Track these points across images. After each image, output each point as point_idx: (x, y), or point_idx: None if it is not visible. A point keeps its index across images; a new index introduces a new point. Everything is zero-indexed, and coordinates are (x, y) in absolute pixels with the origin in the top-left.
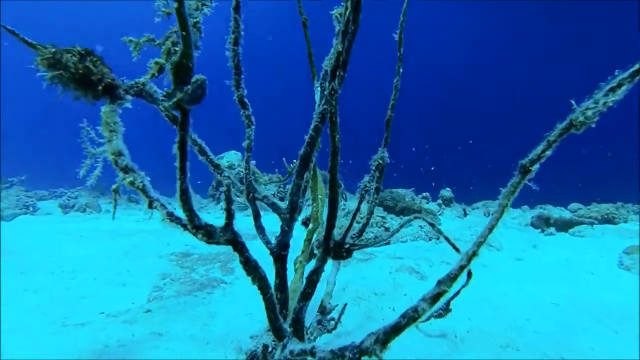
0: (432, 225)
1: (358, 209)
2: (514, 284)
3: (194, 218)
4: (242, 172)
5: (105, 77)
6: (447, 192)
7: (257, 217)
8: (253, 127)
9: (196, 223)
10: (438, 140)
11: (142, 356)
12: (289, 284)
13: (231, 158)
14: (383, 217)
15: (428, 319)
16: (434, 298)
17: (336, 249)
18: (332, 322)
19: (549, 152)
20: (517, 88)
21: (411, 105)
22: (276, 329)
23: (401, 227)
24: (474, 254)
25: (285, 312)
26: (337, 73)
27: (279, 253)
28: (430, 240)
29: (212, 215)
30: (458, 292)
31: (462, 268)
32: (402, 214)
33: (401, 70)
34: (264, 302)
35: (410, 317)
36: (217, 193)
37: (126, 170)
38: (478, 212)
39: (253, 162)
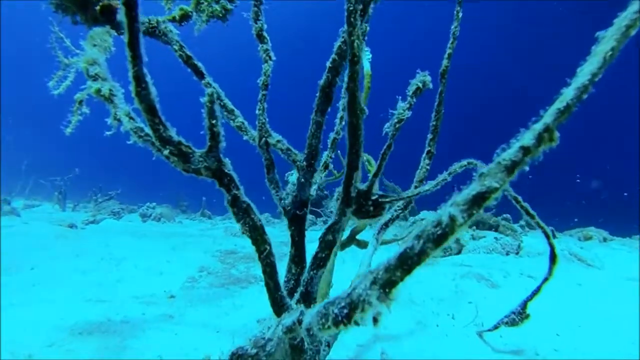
0: (515, 199)
1: (390, 147)
2: (616, 305)
3: (158, 126)
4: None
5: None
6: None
7: (270, 167)
8: (271, 62)
9: (163, 135)
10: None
11: (141, 333)
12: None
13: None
14: None
15: (497, 326)
16: (474, 202)
17: (360, 200)
18: None
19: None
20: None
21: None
22: (275, 301)
23: (449, 174)
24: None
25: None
26: None
27: (295, 213)
28: (507, 254)
29: (277, 228)
30: (539, 289)
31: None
32: (477, 227)
33: (460, 15)
34: (260, 262)
35: (429, 238)
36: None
37: (95, 77)
38: (572, 239)
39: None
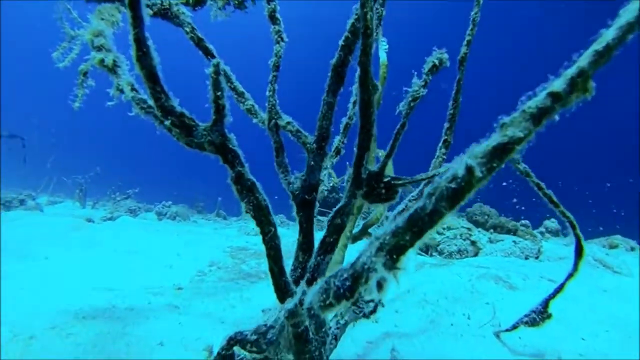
0: (538, 186)
1: (404, 126)
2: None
3: (159, 94)
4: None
5: None
6: (552, 224)
7: (279, 150)
8: (283, 43)
9: (165, 104)
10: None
11: (144, 321)
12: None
13: None
14: (469, 229)
15: (516, 326)
16: (494, 154)
17: (371, 183)
18: (371, 304)
19: None
20: None
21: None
22: (279, 287)
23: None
24: None
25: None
26: None
27: (303, 198)
28: (527, 258)
29: (292, 229)
30: (562, 286)
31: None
32: (495, 231)
33: (481, 2)
34: (264, 245)
35: (443, 195)
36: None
37: (99, 48)
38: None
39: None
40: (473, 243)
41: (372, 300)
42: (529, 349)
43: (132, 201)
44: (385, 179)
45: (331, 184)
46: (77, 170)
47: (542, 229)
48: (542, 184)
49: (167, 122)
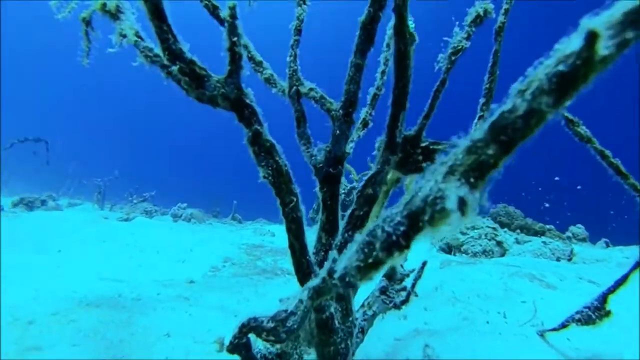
0: (602, 154)
1: (444, 83)
2: None
3: (166, 35)
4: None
5: None
6: (578, 229)
7: (300, 120)
8: (305, 6)
9: (172, 47)
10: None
11: (152, 311)
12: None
13: None
14: (494, 229)
15: (566, 325)
16: (630, 21)
17: (407, 148)
18: (403, 293)
19: None
20: None
21: None
22: (300, 267)
23: None
24: None
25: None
26: None
27: (327, 171)
28: (558, 260)
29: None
30: (626, 277)
31: None
32: (521, 232)
33: None
34: (283, 218)
35: (550, 83)
36: (317, 216)
37: None
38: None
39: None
40: (499, 243)
41: (403, 289)
42: (583, 353)
43: (149, 204)
44: (423, 144)
45: (348, 188)
46: (96, 174)
47: (568, 234)
48: (608, 152)
49: (175, 68)
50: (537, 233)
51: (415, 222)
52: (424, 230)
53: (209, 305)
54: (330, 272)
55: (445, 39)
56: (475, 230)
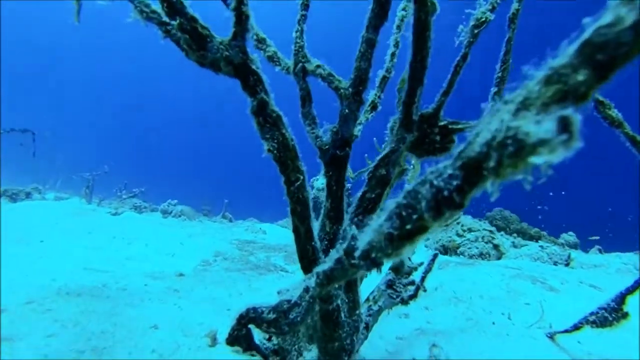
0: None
1: (465, 57)
2: None
3: None
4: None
5: None
6: (570, 237)
7: (306, 99)
8: None
9: (173, 0)
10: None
11: (138, 302)
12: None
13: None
14: (491, 232)
15: (579, 327)
16: None
17: (423, 126)
18: (411, 288)
19: None
20: None
21: None
22: (305, 253)
23: None
24: None
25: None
26: None
27: (334, 153)
28: (556, 264)
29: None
30: None
31: None
32: (518, 236)
33: None
34: (288, 198)
35: None
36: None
37: None
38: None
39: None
40: (496, 247)
41: (412, 283)
42: (595, 357)
43: (138, 200)
44: (441, 123)
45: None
46: (85, 168)
47: (561, 241)
48: (639, 137)
49: (175, 24)
50: (532, 238)
51: (475, 172)
52: (485, 181)
53: (200, 299)
54: (349, 251)
55: (468, 11)
56: (472, 233)
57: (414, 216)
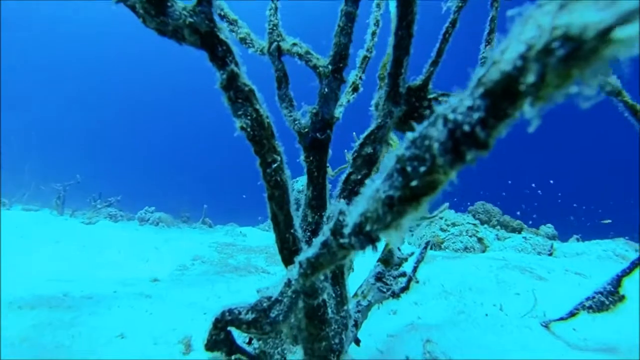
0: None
1: (454, 24)
2: None
3: None
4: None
5: None
6: (548, 229)
7: (282, 80)
8: None
9: None
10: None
11: (105, 310)
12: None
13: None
14: (475, 225)
15: (575, 314)
16: None
17: (411, 100)
18: (402, 280)
19: None
20: None
21: None
22: (284, 243)
23: None
24: None
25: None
26: None
27: (314, 137)
28: (539, 254)
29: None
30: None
31: None
32: (501, 228)
33: None
34: (264, 182)
35: None
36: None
37: None
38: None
39: None
40: (480, 240)
41: (403, 275)
42: (591, 343)
43: (114, 208)
44: (430, 95)
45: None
46: (56, 179)
47: (541, 233)
48: (639, 106)
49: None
50: (514, 230)
51: (503, 98)
52: (518, 108)
53: (175, 303)
54: (337, 228)
55: None
56: (456, 227)
57: (422, 168)
